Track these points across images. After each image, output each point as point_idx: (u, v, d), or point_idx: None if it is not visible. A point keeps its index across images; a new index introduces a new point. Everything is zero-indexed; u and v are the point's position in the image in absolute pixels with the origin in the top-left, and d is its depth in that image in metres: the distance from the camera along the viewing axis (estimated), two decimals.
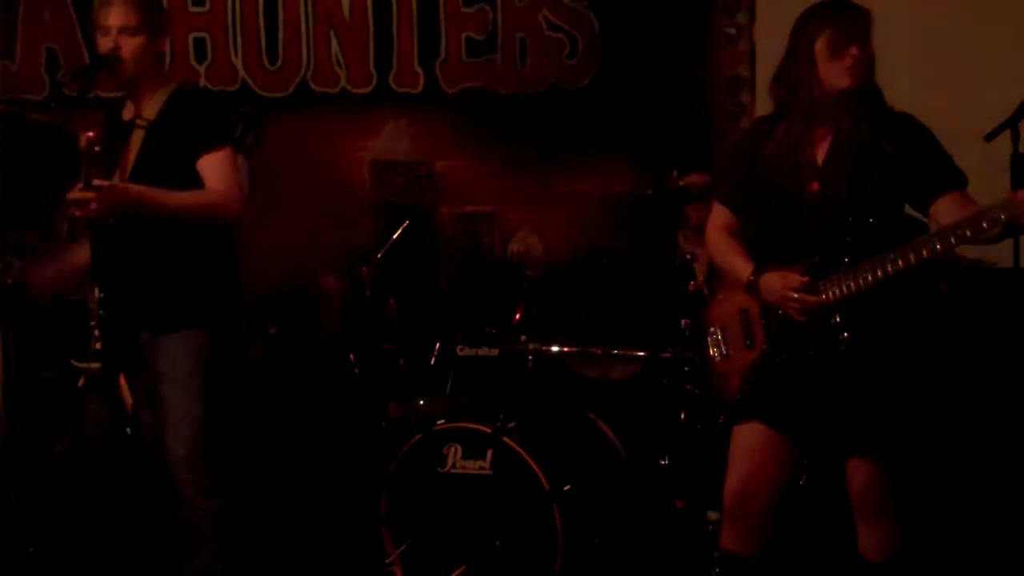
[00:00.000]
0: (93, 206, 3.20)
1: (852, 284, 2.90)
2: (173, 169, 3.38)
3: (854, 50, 2.96)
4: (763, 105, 4.60)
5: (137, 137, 3.42)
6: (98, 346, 3.43)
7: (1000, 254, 2.99)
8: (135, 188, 3.31)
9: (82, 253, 3.57)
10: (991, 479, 3.97)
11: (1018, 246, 3.10)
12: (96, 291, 3.41)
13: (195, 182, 3.39)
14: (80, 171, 3.22)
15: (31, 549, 3.74)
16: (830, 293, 2.94)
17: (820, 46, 2.97)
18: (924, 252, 2.80)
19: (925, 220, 3.02)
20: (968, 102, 4.05)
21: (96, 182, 3.22)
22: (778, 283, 3.01)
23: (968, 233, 2.74)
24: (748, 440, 3.11)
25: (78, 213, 3.23)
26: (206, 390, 3.45)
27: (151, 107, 3.46)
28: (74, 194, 3.22)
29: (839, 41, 2.98)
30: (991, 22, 4.47)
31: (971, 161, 3.00)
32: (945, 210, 2.90)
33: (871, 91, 2.98)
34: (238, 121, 3.53)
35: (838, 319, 2.95)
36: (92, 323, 3.44)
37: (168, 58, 4.74)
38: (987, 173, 3.04)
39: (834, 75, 2.97)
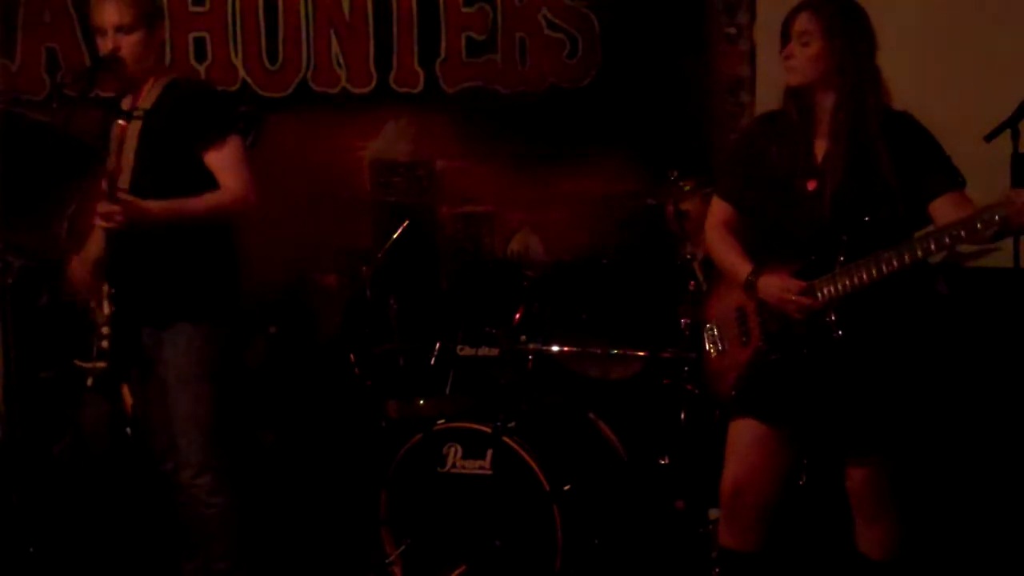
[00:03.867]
0: (119, 219, 3.22)
1: (847, 283, 2.90)
2: (175, 161, 3.38)
3: (790, 47, 3.00)
4: (763, 105, 4.61)
5: (135, 127, 3.42)
6: (104, 344, 3.44)
7: (1000, 255, 2.98)
8: (157, 205, 3.32)
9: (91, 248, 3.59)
10: (991, 479, 3.97)
11: (1018, 246, 3.10)
12: (106, 287, 3.42)
13: (202, 173, 3.38)
14: (104, 180, 3.23)
15: (31, 549, 3.74)
16: (825, 291, 2.94)
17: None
18: (919, 251, 2.80)
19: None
20: (968, 102, 4.04)
21: (121, 196, 3.23)
22: (776, 286, 3.01)
23: (963, 233, 2.74)
24: (743, 437, 3.12)
25: (104, 224, 3.25)
26: (212, 386, 3.45)
27: (148, 98, 3.45)
28: (102, 207, 3.23)
29: (784, 36, 3.01)
30: (991, 22, 4.47)
31: (971, 161, 2.99)
32: (943, 210, 2.89)
33: (867, 90, 2.97)
34: (238, 121, 3.52)
35: (833, 317, 2.95)
36: (100, 320, 3.45)
37: (168, 57, 4.74)
38: (987, 173, 3.03)
39: (784, 70, 3.01)
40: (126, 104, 3.50)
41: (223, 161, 3.40)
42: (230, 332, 3.53)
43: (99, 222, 3.26)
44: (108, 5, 3.37)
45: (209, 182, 3.40)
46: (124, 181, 3.39)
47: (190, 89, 3.55)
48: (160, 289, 3.42)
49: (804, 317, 2.98)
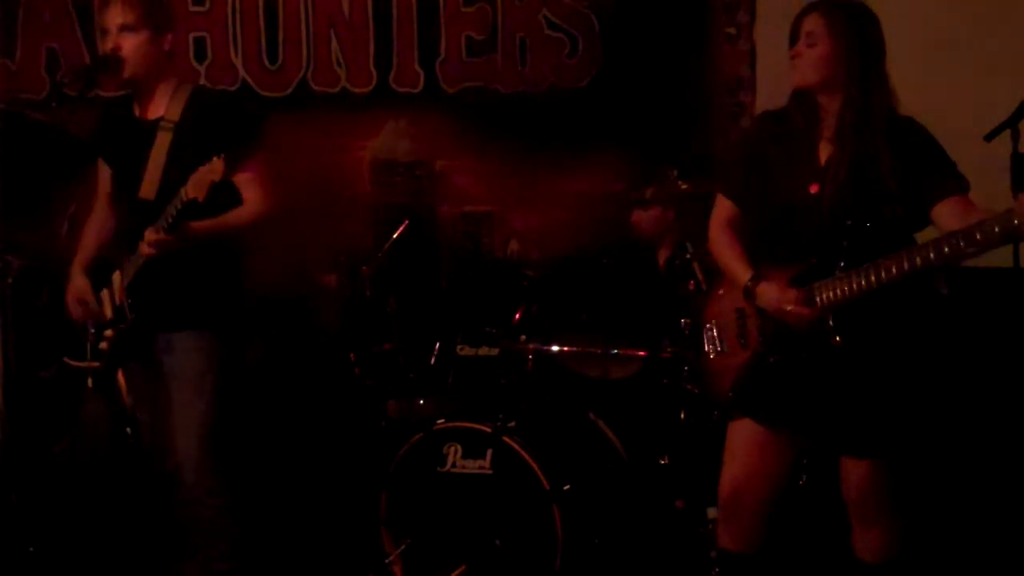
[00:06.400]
0: (167, 248, 3.23)
1: (846, 289, 2.89)
2: None
3: (798, 47, 3.00)
4: (763, 105, 4.61)
5: (163, 138, 3.41)
6: (103, 346, 3.44)
7: (1000, 255, 2.98)
8: (202, 227, 3.31)
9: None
10: (991, 480, 3.97)
11: (1018, 246, 3.09)
12: (107, 292, 3.42)
13: (225, 186, 3.35)
14: (167, 210, 3.22)
15: (31, 549, 3.75)
16: (824, 296, 2.93)
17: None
18: (918, 260, 2.78)
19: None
20: (968, 102, 4.04)
21: (170, 225, 3.22)
22: (774, 294, 3.00)
23: (962, 243, 2.72)
24: (742, 438, 3.12)
25: (149, 251, 3.25)
26: (215, 391, 3.45)
27: (172, 108, 3.44)
28: (153, 236, 3.23)
29: (792, 36, 3.02)
30: (991, 22, 4.47)
31: (971, 161, 2.99)
32: (946, 215, 2.88)
33: (873, 95, 2.97)
34: (262, 134, 3.52)
35: (831, 322, 2.95)
36: (102, 322, 3.45)
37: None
38: (987, 173, 3.02)
39: (791, 70, 3.00)
40: (139, 112, 3.50)
41: (251, 177, 3.40)
42: (231, 335, 3.54)
43: (146, 250, 3.27)
44: (113, 4, 3.38)
45: (229, 193, 3.39)
46: (151, 191, 3.39)
47: (218, 101, 3.56)
48: (169, 295, 3.43)
49: (803, 326, 2.98)
